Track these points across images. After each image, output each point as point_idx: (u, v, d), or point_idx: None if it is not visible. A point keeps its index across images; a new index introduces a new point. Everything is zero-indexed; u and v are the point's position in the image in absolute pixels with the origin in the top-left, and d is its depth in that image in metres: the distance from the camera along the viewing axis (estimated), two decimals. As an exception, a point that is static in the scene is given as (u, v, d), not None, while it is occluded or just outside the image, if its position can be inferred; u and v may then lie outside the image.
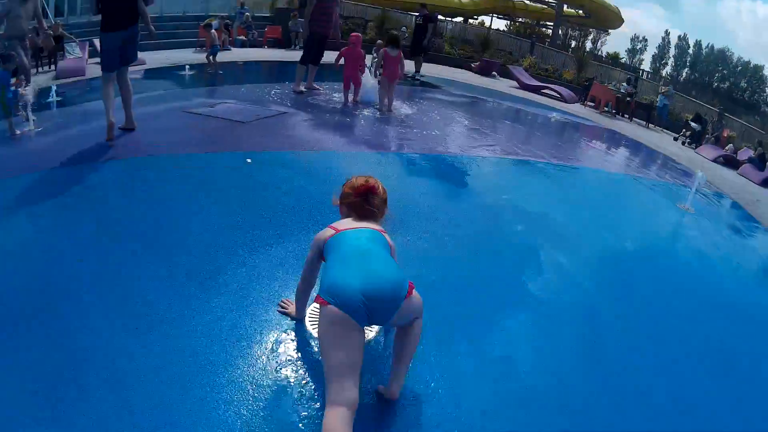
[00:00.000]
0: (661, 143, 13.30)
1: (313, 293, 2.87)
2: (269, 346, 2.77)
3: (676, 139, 15.03)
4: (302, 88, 8.59)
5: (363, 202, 2.73)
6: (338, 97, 8.59)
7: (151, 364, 2.43)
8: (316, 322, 2.95)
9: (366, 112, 8.24)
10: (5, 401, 2.13)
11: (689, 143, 14.62)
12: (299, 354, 2.76)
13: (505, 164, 7.16)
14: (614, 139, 12.16)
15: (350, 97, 8.48)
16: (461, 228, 4.52)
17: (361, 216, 2.72)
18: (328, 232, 2.62)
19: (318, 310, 2.32)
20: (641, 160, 10.61)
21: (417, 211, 4.49)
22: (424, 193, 5.06)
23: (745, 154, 13.72)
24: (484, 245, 4.35)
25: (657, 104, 16.68)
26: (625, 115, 16.45)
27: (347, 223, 2.66)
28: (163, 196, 3.94)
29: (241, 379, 2.49)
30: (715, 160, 12.90)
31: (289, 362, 2.68)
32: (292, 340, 2.86)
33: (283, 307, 3.09)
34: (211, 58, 11.46)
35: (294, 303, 3.09)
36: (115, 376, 2.34)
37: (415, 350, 2.47)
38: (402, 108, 9.00)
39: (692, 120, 15.53)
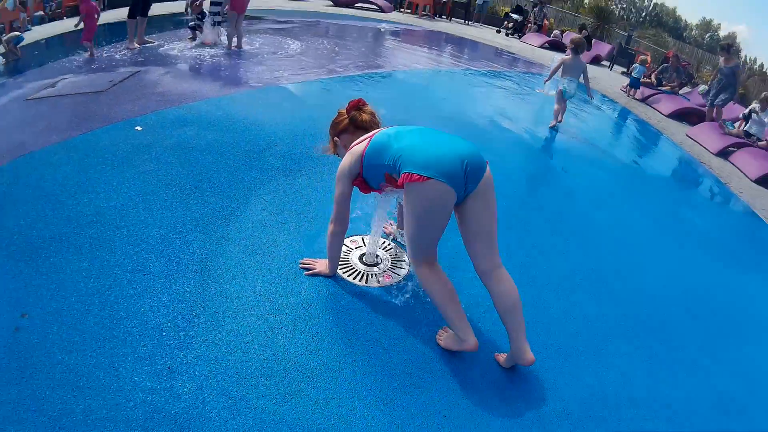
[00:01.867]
0: (488, 37, 14.15)
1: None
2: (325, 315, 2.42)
3: (498, 31, 15.90)
4: (136, 45, 7.30)
5: (360, 112, 2.52)
6: (179, 45, 7.49)
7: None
8: (347, 268, 2.75)
9: (216, 52, 7.30)
10: None
11: (512, 34, 15.58)
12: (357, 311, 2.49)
13: (374, 77, 7.08)
14: (446, 39, 12.63)
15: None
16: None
17: (370, 126, 2.48)
18: (357, 150, 2.29)
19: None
20: (483, 55, 11.32)
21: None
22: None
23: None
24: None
25: (477, 1, 17.33)
26: (443, 16, 16.94)
27: (377, 131, 2.35)
28: (66, 197, 2.93)
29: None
30: (541, 46, 14.02)
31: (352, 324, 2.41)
32: (343, 299, 2.54)
33: (309, 269, 2.68)
34: (11, 46, 8.81)
35: (320, 259, 2.73)
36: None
37: (521, 309, 2.18)
38: (245, 42, 8.16)
39: (512, 12, 16.46)
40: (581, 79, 6.07)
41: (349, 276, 2.71)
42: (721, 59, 8.60)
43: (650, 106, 9.48)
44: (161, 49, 7.31)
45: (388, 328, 2.41)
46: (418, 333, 2.41)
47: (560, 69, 6.08)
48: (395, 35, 11.97)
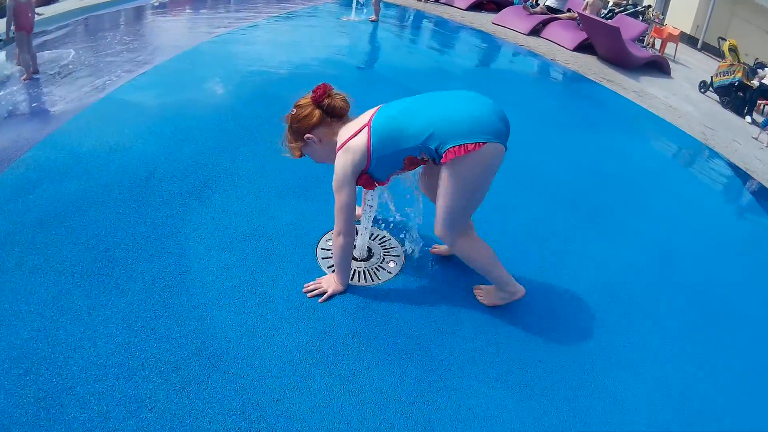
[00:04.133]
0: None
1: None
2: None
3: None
4: None
5: (332, 98, 2.11)
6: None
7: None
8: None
9: (15, 85, 5.68)
10: None
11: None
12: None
13: (189, 56, 6.16)
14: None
15: None
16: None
17: (346, 111, 2.15)
18: (357, 144, 2.01)
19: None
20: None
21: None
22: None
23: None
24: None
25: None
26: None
27: (363, 117, 2.10)
28: None
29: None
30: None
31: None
32: (376, 307, 2.33)
33: (321, 293, 2.31)
34: None
35: (322, 277, 2.40)
36: None
37: None
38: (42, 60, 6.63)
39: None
40: None
41: (359, 281, 2.44)
42: None
43: (447, 5, 9.87)
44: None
45: (439, 311, 2.35)
46: (466, 300, 2.43)
47: None
48: (170, 6, 10.78)
